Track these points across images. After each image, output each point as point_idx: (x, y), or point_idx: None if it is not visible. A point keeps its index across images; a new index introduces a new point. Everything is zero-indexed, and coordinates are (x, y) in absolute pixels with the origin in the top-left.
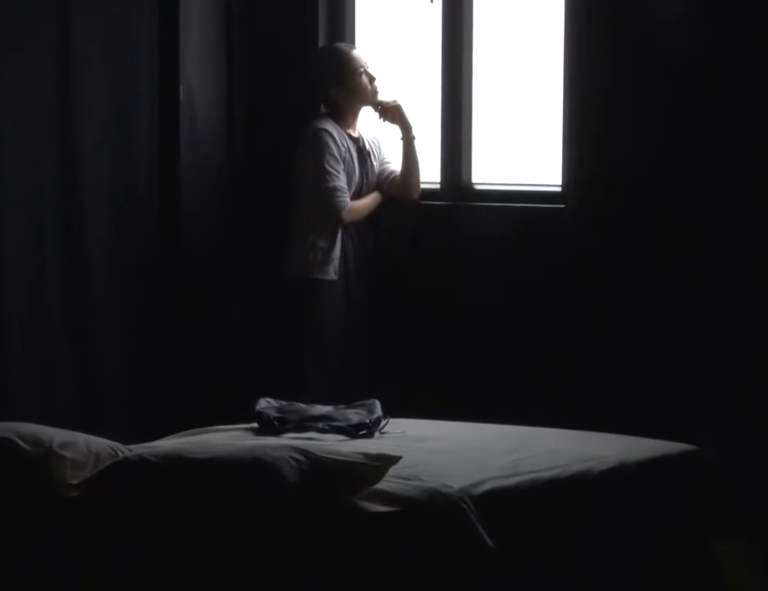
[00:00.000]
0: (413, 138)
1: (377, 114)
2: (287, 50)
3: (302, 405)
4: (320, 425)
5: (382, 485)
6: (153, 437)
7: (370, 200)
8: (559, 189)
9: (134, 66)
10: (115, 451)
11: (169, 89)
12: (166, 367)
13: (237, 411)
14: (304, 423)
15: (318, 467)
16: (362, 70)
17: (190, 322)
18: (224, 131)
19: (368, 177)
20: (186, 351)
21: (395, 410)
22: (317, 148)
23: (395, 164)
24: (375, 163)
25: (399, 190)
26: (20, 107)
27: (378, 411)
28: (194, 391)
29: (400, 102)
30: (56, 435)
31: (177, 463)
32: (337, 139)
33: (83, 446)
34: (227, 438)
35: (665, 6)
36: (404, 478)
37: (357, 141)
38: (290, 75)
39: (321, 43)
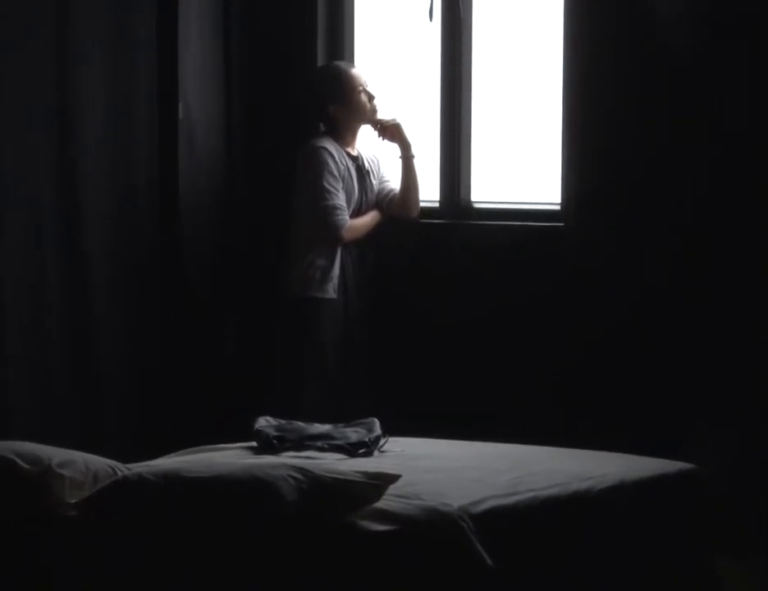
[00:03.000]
0: (413, 156)
1: (376, 132)
2: (286, 66)
3: (301, 423)
4: (319, 444)
5: (381, 504)
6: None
7: (369, 218)
8: (558, 207)
9: (133, 79)
10: (113, 469)
11: (168, 105)
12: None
13: (236, 429)
14: (302, 442)
15: (317, 486)
16: (361, 88)
17: (189, 337)
18: (222, 147)
19: (367, 196)
20: (185, 363)
21: (394, 428)
22: (317, 167)
23: (394, 182)
24: (374, 182)
25: (398, 209)
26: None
27: (377, 430)
28: (192, 402)
29: (399, 120)
30: (54, 454)
31: (176, 482)
32: (336, 157)
33: (81, 465)
34: (226, 457)
35: (665, 29)
36: (404, 497)
37: (356, 159)
38: (290, 92)
39: (320, 61)
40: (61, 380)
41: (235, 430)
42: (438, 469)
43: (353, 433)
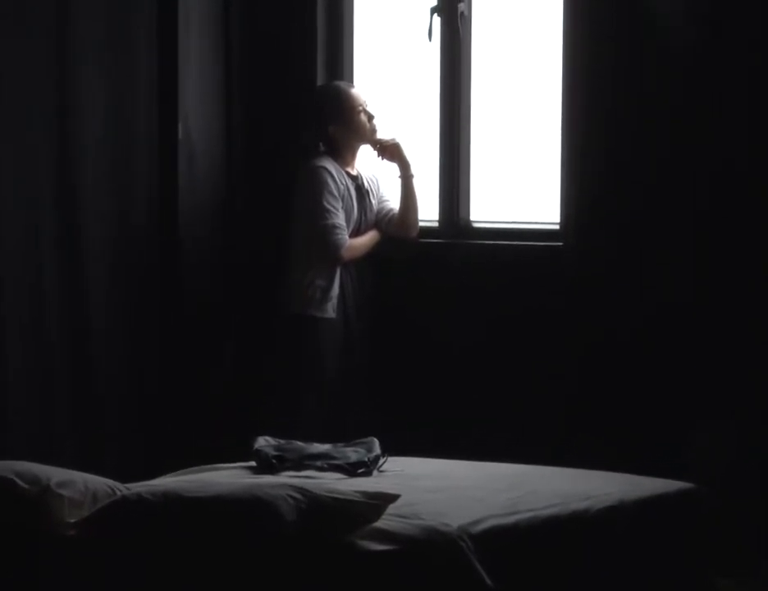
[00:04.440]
0: (412, 176)
1: (375, 152)
2: (286, 84)
3: (300, 443)
4: (318, 463)
5: (381, 523)
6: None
7: (369, 238)
8: (557, 227)
9: (134, 98)
10: (113, 489)
11: (168, 125)
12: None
13: (234, 449)
14: (302, 462)
15: (317, 505)
16: (360, 108)
17: (188, 356)
18: (222, 165)
19: (367, 215)
20: (183, 380)
21: (395, 446)
22: (316, 186)
23: (393, 202)
24: (373, 201)
25: (397, 228)
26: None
27: (377, 449)
28: (191, 419)
29: (398, 140)
30: (54, 474)
31: (175, 501)
32: (336, 176)
33: (81, 485)
34: (225, 477)
35: (667, 46)
36: (403, 517)
37: (355, 179)
38: (290, 112)
39: (320, 80)
40: (60, 389)
41: (234, 449)
42: (438, 488)
43: (352, 453)
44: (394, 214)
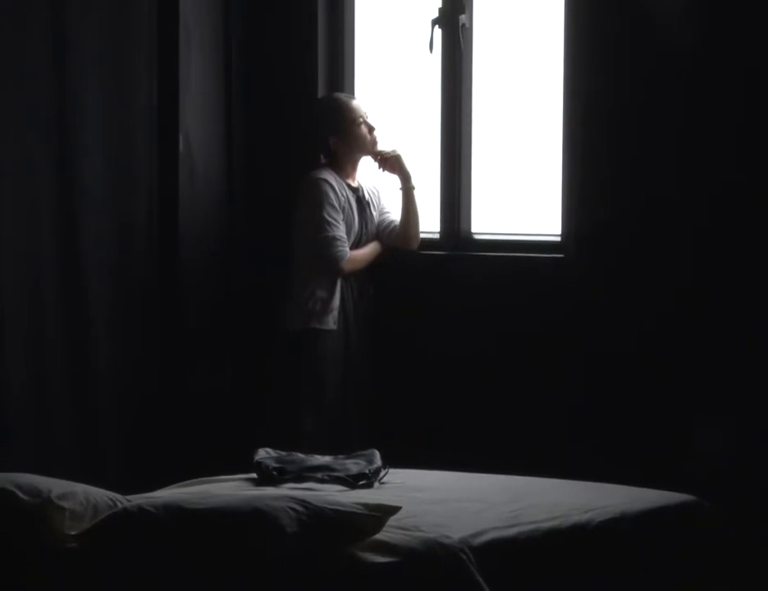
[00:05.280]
0: (413, 188)
1: (376, 164)
2: (287, 97)
3: (301, 455)
4: (319, 475)
5: (382, 535)
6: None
7: (369, 250)
8: (558, 238)
9: (134, 113)
10: (113, 501)
11: (168, 139)
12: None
13: (235, 461)
14: (303, 474)
15: (318, 517)
16: (361, 120)
17: (189, 373)
18: (223, 180)
19: (368, 227)
20: (184, 394)
21: (395, 460)
22: (317, 198)
23: (394, 214)
24: (374, 213)
25: (398, 240)
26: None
27: (378, 461)
28: (191, 431)
29: (399, 152)
30: (54, 485)
31: (176, 513)
32: (336, 188)
33: (81, 497)
34: (226, 489)
35: (668, 61)
36: (404, 529)
37: (356, 191)
38: (290, 124)
39: (320, 93)
40: (60, 403)
41: (234, 461)
42: (439, 500)
43: (353, 465)
44: (395, 226)
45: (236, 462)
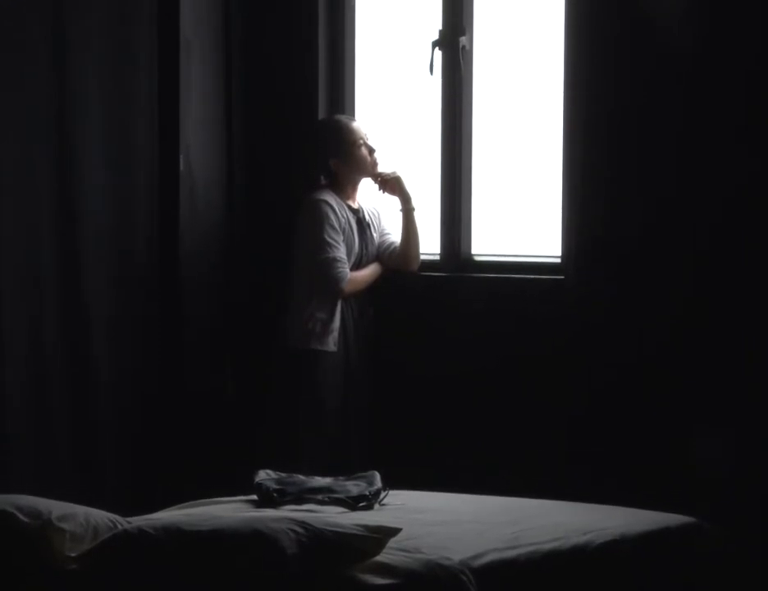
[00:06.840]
0: (413, 209)
1: (376, 186)
2: (287, 119)
3: (301, 476)
4: (319, 497)
5: (382, 557)
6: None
7: (370, 271)
8: (558, 260)
9: (134, 132)
10: (114, 523)
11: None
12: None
13: (235, 481)
14: (303, 495)
15: (318, 539)
16: (361, 141)
17: (188, 390)
18: (223, 199)
19: (368, 249)
20: (184, 413)
21: (395, 481)
22: (317, 219)
23: (394, 235)
24: (375, 235)
25: (398, 262)
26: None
27: (378, 483)
28: (191, 452)
29: (399, 173)
30: (54, 507)
31: (176, 535)
32: (337, 210)
33: (81, 519)
34: (226, 510)
35: (669, 70)
36: (404, 551)
37: (357, 212)
38: (291, 145)
39: (321, 114)
40: (60, 418)
41: (234, 482)
42: (439, 522)
43: (353, 487)
44: (395, 247)
45: (236, 483)
